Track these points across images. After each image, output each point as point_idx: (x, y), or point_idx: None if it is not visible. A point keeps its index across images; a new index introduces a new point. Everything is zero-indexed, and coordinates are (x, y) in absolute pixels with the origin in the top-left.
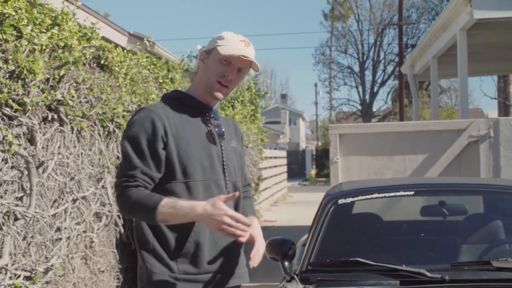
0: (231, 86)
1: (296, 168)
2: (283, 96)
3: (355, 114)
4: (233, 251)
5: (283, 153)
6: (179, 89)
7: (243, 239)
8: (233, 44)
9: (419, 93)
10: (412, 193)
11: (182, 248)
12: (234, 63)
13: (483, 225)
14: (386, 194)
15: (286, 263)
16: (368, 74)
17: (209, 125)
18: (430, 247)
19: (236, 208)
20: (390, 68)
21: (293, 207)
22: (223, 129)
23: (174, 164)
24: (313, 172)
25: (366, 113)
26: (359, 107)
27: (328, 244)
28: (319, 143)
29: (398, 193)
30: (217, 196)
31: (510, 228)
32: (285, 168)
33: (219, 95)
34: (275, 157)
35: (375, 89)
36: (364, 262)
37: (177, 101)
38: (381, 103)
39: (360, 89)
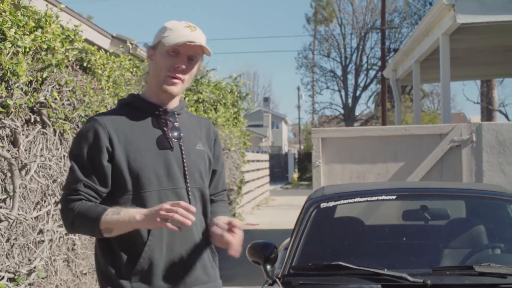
0: (184, 77)
1: (278, 172)
2: (266, 100)
3: (337, 118)
4: (201, 265)
5: (266, 157)
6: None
7: (188, 223)
8: (178, 32)
9: (402, 97)
10: (394, 197)
11: (135, 266)
12: (183, 52)
13: (466, 230)
14: (368, 198)
15: (268, 267)
16: (351, 78)
17: (165, 128)
18: (412, 252)
19: (204, 214)
20: (372, 72)
21: (275, 210)
22: (182, 134)
23: (124, 176)
24: (295, 175)
25: (348, 117)
26: (342, 111)
27: (310, 248)
28: (302, 147)
29: (380, 197)
30: None
31: (492, 233)
32: (267, 172)
33: (173, 89)
34: (258, 161)
35: (358, 93)
36: (346, 266)
37: (129, 105)
38: (363, 107)
39: (343, 93)
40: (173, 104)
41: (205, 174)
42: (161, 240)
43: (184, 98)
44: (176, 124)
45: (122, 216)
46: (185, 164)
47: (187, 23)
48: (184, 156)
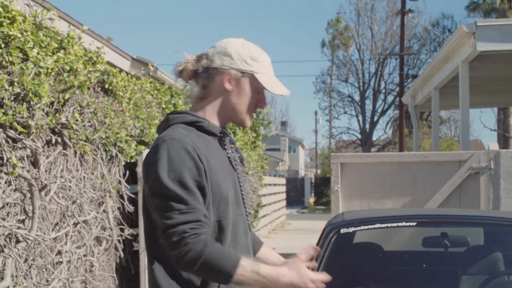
0: None
1: (294, 196)
2: (283, 124)
3: (354, 143)
4: None
5: (283, 181)
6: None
7: None
8: (271, 72)
9: (419, 124)
10: (414, 224)
11: None
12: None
13: (484, 257)
14: (389, 225)
15: None
16: (369, 103)
17: (227, 150)
18: (431, 278)
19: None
20: (390, 98)
21: (291, 234)
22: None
23: (209, 202)
24: (311, 200)
25: (365, 142)
26: (359, 136)
27: (330, 273)
28: (318, 171)
29: (400, 224)
30: (244, 233)
31: (510, 260)
32: (284, 196)
33: (249, 125)
34: (275, 184)
35: (375, 118)
36: None
37: (194, 125)
38: (381, 133)
39: (360, 118)
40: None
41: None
42: None
43: None
44: (237, 146)
45: (263, 279)
46: (241, 188)
47: (268, 57)
48: (240, 179)
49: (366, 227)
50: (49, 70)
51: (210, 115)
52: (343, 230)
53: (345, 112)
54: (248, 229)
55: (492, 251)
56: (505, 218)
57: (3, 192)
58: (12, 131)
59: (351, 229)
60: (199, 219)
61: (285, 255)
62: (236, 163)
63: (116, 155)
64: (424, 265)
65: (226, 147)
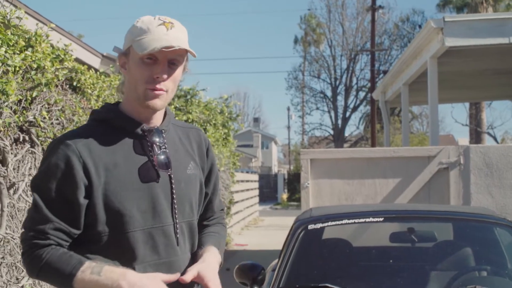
0: (167, 87)
1: (268, 192)
2: (256, 120)
3: (327, 139)
4: None
5: (255, 177)
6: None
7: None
8: (152, 34)
9: (391, 119)
10: (381, 219)
11: None
12: (161, 58)
13: (452, 252)
14: (356, 220)
15: None
16: (341, 99)
17: (151, 153)
18: (399, 274)
19: (192, 250)
20: (362, 94)
21: (264, 231)
22: (170, 159)
23: (101, 214)
24: (284, 196)
25: (338, 138)
26: (331, 132)
27: (297, 269)
28: (291, 167)
29: (367, 219)
30: (165, 248)
31: (479, 256)
32: (257, 192)
33: (157, 103)
34: (247, 181)
35: (347, 114)
36: (333, 287)
37: (105, 122)
38: (353, 128)
39: (333, 114)
40: (157, 119)
41: (196, 204)
42: None
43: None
44: (164, 148)
45: (103, 279)
46: (174, 196)
47: (161, 19)
48: (173, 185)
49: (333, 223)
50: (17, 68)
51: (126, 103)
52: (311, 226)
53: (318, 108)
54: (175, 242)
55: (460, 247)
56: (473, 213)
57: None
58: None
59: (318, 225)
60: (45, 231)
61: (258, 252)
62: (164, 167)
63: None
64: (392, 261)
65: (150, 148)
